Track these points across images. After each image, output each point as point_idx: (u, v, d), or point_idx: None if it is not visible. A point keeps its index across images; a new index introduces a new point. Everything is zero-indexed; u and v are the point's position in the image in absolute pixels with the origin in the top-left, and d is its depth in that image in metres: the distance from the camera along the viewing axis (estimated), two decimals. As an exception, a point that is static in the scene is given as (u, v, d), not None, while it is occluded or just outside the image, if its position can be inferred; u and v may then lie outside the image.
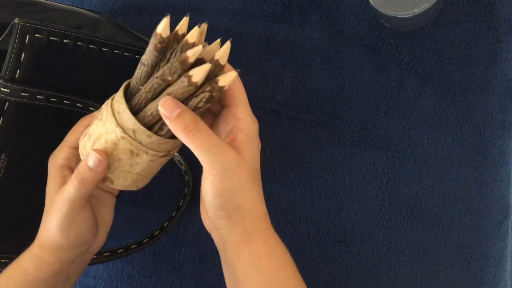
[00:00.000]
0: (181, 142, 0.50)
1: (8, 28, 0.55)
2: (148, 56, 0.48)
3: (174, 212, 0.66)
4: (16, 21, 0.54)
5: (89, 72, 0.59)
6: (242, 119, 0.50)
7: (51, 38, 0.56)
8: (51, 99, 0.58)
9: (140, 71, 0.48)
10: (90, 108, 0.60)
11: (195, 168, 0.67)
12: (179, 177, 0.67)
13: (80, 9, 0.64)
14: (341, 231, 0.64)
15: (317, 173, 0.65)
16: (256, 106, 0.67)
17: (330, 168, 0.64)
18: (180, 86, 0.46)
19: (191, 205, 0.67)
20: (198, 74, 0.45)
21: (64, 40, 0.57)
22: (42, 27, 0.55)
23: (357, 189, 0.64)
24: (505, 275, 0.61)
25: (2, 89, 0.55)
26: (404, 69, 0.63)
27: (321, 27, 0.66)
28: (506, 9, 0.61)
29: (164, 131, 0.49)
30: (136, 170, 0.50)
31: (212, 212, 0.49)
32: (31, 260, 0.53)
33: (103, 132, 0.49)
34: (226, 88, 0.47)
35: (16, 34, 0.54)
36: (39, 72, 0.56)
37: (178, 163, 0.67)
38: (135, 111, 0.48)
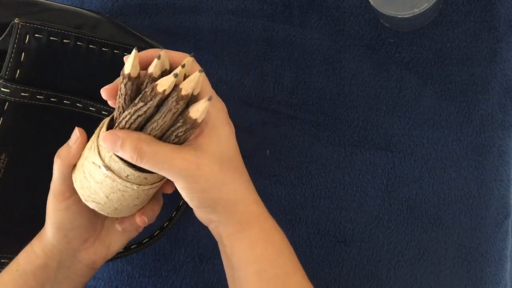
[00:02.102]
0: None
1: (8, 28, 0.55)
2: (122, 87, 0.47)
3: (174, 212, 0.66)
4: (16, 21, 0.54)
5: (89, 72, 0.59)
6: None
7: (51, 38, 0.56)
8: (51, 99, 0.58)
9: (119, 103, 0.48)
10: (90, 108, 0.60)
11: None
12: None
13: (80, 9, 0.64)
14: (341, 231, 0.64)
15: (317, 173, 0.65)
16: (256, 106, 0.67)
17: (330, 168, 0.64)
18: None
19: (191, 205, 0.67)
20: (162, 83, 0.44)
21: (64, 40, 0.57)
22: (42, 27, 0.55)
23: (357, 189, 0.64)
24: (505, 275, 0.61)
25: (2, 89, 0.55)
26: (404, 69, 0.63)
27: (321, 27, 0.66)
28: (506, 9, 0.61)
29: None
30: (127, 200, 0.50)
31: (198, 210, 0.49)
32: (25, 250, 0.54)
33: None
34: (199, 121, 0.46)
35: (16, 34, 0.54)
36: (39, 72, 0.56)
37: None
38: None
